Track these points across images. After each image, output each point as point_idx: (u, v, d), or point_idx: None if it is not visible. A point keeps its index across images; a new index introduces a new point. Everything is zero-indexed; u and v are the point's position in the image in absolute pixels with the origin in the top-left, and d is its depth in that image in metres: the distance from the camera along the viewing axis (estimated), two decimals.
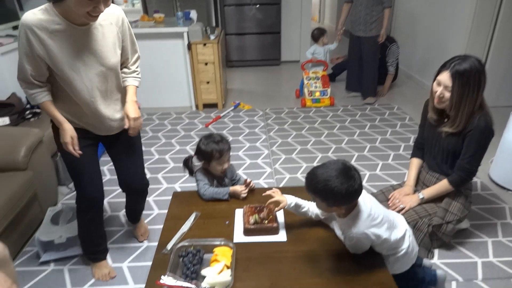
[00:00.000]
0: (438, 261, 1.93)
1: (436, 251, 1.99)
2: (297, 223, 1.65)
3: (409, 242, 1.52)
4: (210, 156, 1.82)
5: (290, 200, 1.59)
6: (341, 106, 4.19)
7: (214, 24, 5.43)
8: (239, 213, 1.72)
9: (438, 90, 1.77)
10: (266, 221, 1.60)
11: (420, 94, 4.48)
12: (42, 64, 1.44)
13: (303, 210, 1.60)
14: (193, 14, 4.16)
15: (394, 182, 2.20)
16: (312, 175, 1.35)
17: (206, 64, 3.96)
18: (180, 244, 1.46)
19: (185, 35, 3.82)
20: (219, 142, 1.82)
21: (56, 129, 1.61)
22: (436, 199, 1.94)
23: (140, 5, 5.42)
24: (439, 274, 1.74)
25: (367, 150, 3.15)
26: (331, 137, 3.42)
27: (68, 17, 1.39)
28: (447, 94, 1.74)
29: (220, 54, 3.99)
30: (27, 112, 2.75)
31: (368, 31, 3.95)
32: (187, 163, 1.96)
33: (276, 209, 1.59)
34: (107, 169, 2.91)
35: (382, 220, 1.42)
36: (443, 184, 1.89)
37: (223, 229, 1.63)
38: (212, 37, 3.92)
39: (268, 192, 1.63)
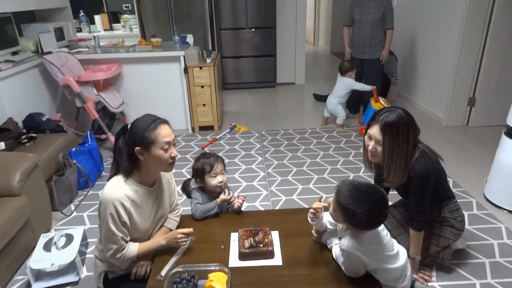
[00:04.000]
0: (436, 283, 1.91)
1: (434, 273, 1.97)
2: (293, 246, 1.64)
3: (405, 277, 1.51)
4: (202, 171, 1.86)
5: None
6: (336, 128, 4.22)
7: (210, 47, 5.52)
8: (234, 236, 1.71)
9: (370, 144, 1.74)
10: (262, 245, 1.59)
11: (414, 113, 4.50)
12: (126, 227, 1.55)
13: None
14: (190, 38, 4.25)
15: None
16: (346, 196, 1.34)
17: (202, 87, 4.00)
18: (174, 270, 1.44)
19: (182, 58, 3.88)
20: (210, 157, 1.89)
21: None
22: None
23: (137, 30, 5.51)
24: (417, 283, 1.71)
25: (362, 171, 3.16)
26: (326, 158, 3.43)
27: (144, 182, 1.55)
28: (379, 148, 1.70)
29: (216, 77, 4.05)
30: (23, 136, 2.75)
31: (373, 54, 4.04)
32: (185, 186, 1.96)
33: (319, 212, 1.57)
34: None
35: (383, 248, 1.41)
36: (412, 233, 1.83)
37: (219, 253, 1.61)
38: (208, 60, 3.98)
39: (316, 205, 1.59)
